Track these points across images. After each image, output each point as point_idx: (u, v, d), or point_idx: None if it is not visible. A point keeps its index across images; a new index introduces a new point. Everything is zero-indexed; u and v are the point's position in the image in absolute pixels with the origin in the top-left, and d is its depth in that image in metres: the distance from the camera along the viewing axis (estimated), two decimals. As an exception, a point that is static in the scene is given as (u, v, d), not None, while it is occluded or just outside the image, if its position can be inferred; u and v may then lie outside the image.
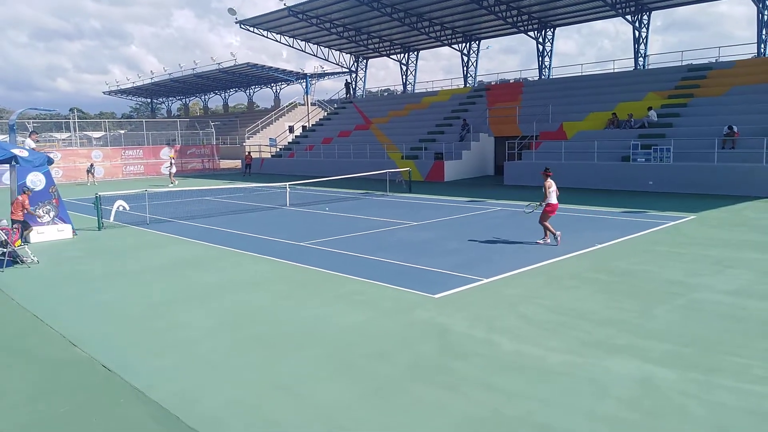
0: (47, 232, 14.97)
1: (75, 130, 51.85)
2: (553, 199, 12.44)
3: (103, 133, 63.13)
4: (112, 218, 17.98)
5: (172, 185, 31.91)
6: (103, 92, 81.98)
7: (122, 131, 64.96)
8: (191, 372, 6.35)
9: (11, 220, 13.86)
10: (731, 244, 12.23)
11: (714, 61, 31.11)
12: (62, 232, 15.25)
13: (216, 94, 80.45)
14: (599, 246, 11.79)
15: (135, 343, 7.29)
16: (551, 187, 12.47)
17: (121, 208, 18.98)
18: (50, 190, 15.25)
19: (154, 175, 41.89)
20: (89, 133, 68.56)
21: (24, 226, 14.16)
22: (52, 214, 15.23)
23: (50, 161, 15.60)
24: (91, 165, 36.51)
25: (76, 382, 6.19)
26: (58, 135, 60.65)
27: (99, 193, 17.15)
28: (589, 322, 7.54)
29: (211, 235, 15.24)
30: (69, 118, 60.94)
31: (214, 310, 8.61)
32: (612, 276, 9.88)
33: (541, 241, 12.63)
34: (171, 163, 35.60)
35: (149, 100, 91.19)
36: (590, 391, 5.59)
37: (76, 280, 10.72)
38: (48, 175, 15.30)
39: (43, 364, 6.75)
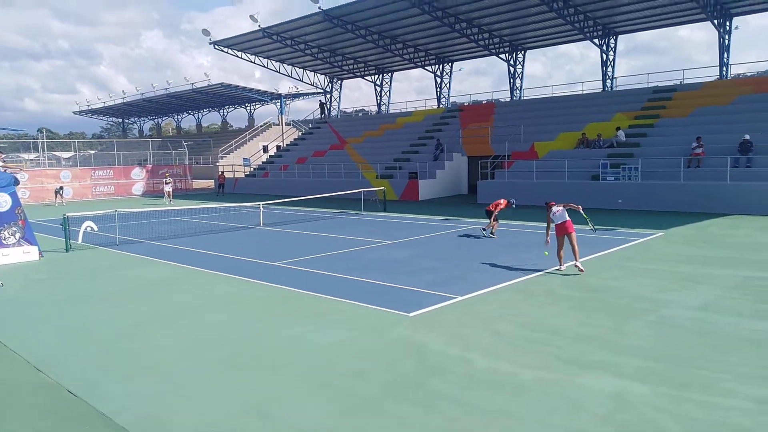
0: (12, 255, 14.60)
1: (43, 151, 50.85)
2: (558, 218, 11.59)
3: (72, 153, 62.10)
4: (80, 239, 17.60)
5: (169, 203, 31.85)
6: (74, 112, 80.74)
7: (92, 151, 63.96)
8: (161, 395, 6.21)
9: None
10: (698, 260, 12.51)
11: (679, 83, 32.10)
12: (28, 254, 14.89)
13: (189, 114, 79.80)
14: (571, 263, 11.92)
15: (103, 367, 7.10)
16: (550, 212, 11.74)
17: (89, 229, 18.60)
18: (16, 212, 14.91)
19: (125, 196, 41.27)
20: (58, 154, 67.34)
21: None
22: (17, 235, 14.86)
23: (16, 182, 15.27)
24: (61, 187, 35.85)
25: (41, 408, 5.99)
26: (25, 155, 59.38)
27: (67, 214, 16.80)
28: (562, 339, 7.60)
29: (183, 255, 15.01)
30: (37, 139, 59.77)
31: (186, 331, 8.45)
32: (584, 292, 10.00)
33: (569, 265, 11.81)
34: (166, 182, 35.32)
35: (120, 120, 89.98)
36: (564, 407, 5.62)
37: (42, 303, 10.43)
38: (14, 196, 14.97)
39: (7, 389, 6.52)
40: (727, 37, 30.33)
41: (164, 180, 36.17)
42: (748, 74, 34.77)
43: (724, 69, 30.71)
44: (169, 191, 34.53)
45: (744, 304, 8.98)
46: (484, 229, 17.25)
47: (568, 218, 11.52)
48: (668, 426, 5.18)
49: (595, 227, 13.18)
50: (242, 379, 6.60)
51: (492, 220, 16.91)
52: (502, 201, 17.23)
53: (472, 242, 16.02)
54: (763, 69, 34.40)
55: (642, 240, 15.35)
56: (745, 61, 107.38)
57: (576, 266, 11.42)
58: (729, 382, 6.07)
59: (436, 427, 5.29)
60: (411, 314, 8.86)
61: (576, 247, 11.48)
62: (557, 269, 11.72)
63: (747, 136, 21.92)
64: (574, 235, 11.46)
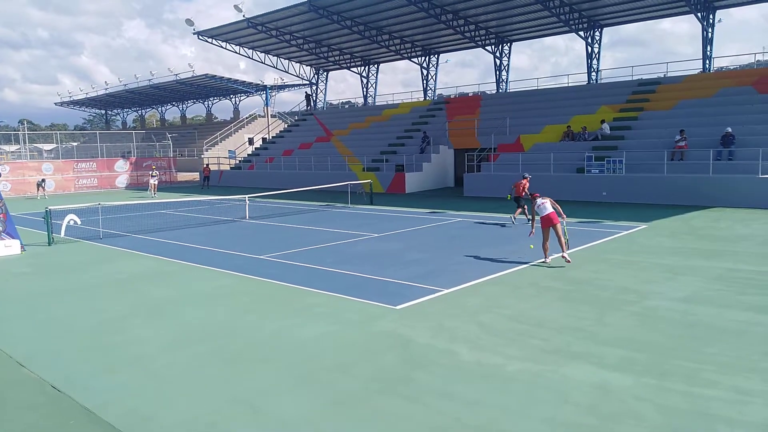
0: (-7, 248, 14.37)
1: (24, 143, 50.09)
2: (541, 210, 11.68)
3: (54, 145, 61.30)
4: (62, 233, 17.39)
5: (153, 196, 31.67)
6: (55, 103, 79.61)
7: (75, 143, 63.19)
8: (146, 389, 6.17)
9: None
10: (681, 252, 12.66)
11: (662, 76, 32.34)
12: (10, 248, 14.68)
13: (173, 105, 78.92)
14: (556, 255, 12.01)
15: (86, 361, 7.04)
16: (535, 204, 11.84)
17: (72, 223, 18.38)
18: (-3, 204, 14.68)
19: (109, 188, 40.84)
20: (40, 146, 66.44)
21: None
22: (-2, 229, 14.63)
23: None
24: (43, 179, 35.34)
25: (24, 404, 5.93)
26: (6, 147, 58.55)
27: (49, 207, 16.58)
28: (547, 330, 7.66)
29: (167, 249, 14.90)
30: (18, 130, 58.86)
31: (170, 325, 8.40)
32: (569, 284, 10.09)
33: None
34: (153, 174, 34.94)
35: (103, 112, 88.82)
36: (549, 397, 5.67)
37: (24, 298, 10.30)
38: (-5, 189, 14.73)
39: (-12, 385, 6.44)
40: (710, 29, 30.58)
41: (150, 173, 35.83)
42: (731, 67, 35.14)
43: (708, 62, 30.98)
44: (154, 184, 34.21)
45: (726, 295, 9.11)
46: (514, 217, 17.67)
47: (552, 210, 11.59)
48: (650, 416, 5.25)
49: (567, 249, 11.81)
50: (227, 372, 6.57)
51: (520, 206, 17.62)
52: (522, 181, 17.58)
53: (458, 235, 16.07)
54: (745, 62, 34.77)
55: (626, 232, 15.49)
56: (727, 54, 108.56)
57: (563, 257, 11.51)
58: (711, 372, 6.17)
59: (420, 419, 5.31)
60: (397, 307, 8.88)
61: (562, 239, 11.55)
62: (542, 261, 11.80)
63: (729, 129, 22.17)
64: (559, 226, 11.53)
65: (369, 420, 5.35)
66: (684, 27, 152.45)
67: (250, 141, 51.79)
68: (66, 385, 6.29)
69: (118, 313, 9.06)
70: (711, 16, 30.53)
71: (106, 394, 6.04)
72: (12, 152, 55.19)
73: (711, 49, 30.84)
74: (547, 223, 11.57)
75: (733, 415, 5.22)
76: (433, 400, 5.70)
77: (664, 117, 26.62)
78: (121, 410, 5.66)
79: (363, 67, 47.24)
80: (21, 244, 15.00)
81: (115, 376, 6.54)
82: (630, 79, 32.85)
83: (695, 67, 32.09)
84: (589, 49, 34.95)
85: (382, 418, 5.36)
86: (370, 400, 5.75)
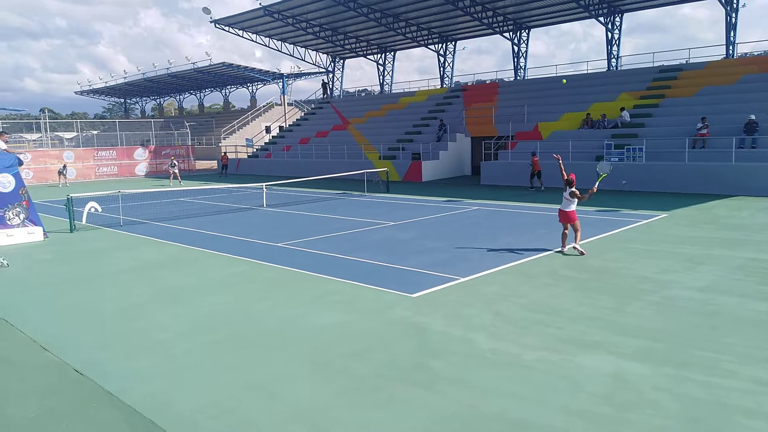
0: (17, 235, 14.65)
1: (46, 131, 50.78)
2: (563, 205, 11.58)
3: (75, 133, 62.01)
4: (84, 220, 17.66)
5: (174, 183, 32.13)
6: (75, 92, 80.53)
7: (95, 132, 63.88)
8: (165, 374, 6.27)
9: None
10: (702, 241, 12.49)
11: (684, 62, 31.74)
12: (33, 234, 14.94)
13: (191, 94, 79.44)
14: (574, 244, 11.91)
15: (107, 346, 7.17)
16: (565, 192, 11.62)
17: (93, 210, 18.65)
18: (20, 192, 14.94)
19: (128, 176, 41.30)
20: (61, 134, 67.25)
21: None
22: (22, 216, 14.91)
23: (20, 162, 15.29)
24: (64, 166, 35.86)
25: (47, 387, 6.07)
26: (28, 136, 59.38)
27: (71, 195, 16.83)
28: (563, 319, 7.63)
29: (186, 236, 15.06)
30: (39, 119, 59.66)
31: (189, 311, 8.51)
32: (586, 273, 10.01)
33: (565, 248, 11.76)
34: (173, 163, 35.41)
35: (122, 100, 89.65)
36: (565, 386, 5.66)
37: (47, 283, 10.50)
38: (18, 177, 14.98)
39: (13, 368, 6.60)
40: (733, 14, 29.89)
41: (170, 163, 36.25)
42: (755, 53, 34.36)
43: (731, 48, 30.30)
44: (175, 172, 34.60)
45: (747, 285, 8.98)
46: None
47: (573, 209, 11.43)
48: (668, 406, 5.21)
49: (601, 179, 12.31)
50: (243, 358, 6.66)
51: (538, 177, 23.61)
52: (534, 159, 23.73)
53: (475, 223, 16.01)
54: (769, 48, 33.91)
55: (645, 221, 15.32)
56: (751, 40, 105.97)
57: (575, 248, 11.42)
58: (730, 362, 6.10)
59: (435, 407, 5.33)
60: (413, 295, 8.89)
61: (578, 233, 11.49)
62: (559, 250, 11.73)
63: (752, 116, 21.72)
64: (578, 224, 11.51)
65: (384, 407, 5.39)
66: (705, 12, 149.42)
67: (267, 129, 51.92)
68: (88, 369, 6.42)
69: (138, 300, 9.20)
70: (735, 1, 29.82)
71: (126, 379, 6.16)
72: (34, 140, 55.93)
73: (734, 35, 30.15)
74: (564, 219, 11.52)
75: (752, 405, 5.17)
76: (448, 388, 5.71)
77: (686, 104, 26.15)
78: (140, 394, 5.76)
79: (379, 55, 47.02)
80: (44, 231, 15.27)
81: (134, 361, 6.65)
82: (651, 65, 32.33)
83: (718, 53, 31.39)
84: (609, 35, 34.40)
85: (397, 405, 5.40)
86: (386, 387, 5.78)
